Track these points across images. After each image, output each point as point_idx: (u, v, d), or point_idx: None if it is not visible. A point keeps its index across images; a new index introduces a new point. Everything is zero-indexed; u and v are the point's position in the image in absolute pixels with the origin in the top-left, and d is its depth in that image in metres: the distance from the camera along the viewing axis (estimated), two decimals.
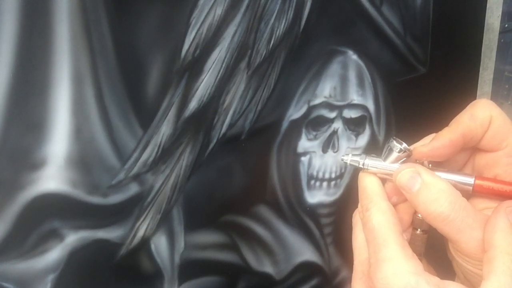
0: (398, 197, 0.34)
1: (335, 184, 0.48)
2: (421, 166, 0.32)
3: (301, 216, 0.48)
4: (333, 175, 0.48)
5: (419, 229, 0.33)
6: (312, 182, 0.47)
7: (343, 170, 0.48)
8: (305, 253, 0.49)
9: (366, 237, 0.32)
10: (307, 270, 0.50)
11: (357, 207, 0.35)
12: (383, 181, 0.34)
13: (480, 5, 0.51)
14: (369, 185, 0.33)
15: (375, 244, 0.30)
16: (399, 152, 0.32)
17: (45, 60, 0.34)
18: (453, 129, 0.32)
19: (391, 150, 0.33)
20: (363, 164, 0.34)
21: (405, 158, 0.33)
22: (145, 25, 0.36)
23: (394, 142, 0.32)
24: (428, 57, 0.49)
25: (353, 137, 0.47)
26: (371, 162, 0.34)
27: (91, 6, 0.34)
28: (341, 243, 0.51)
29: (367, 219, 0.31)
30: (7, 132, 0.34)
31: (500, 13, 0.53)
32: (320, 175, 0.47)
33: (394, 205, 0.33)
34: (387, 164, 0.33)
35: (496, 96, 0.58)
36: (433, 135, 0.33)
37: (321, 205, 0.48)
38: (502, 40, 0.56)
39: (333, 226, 0.50)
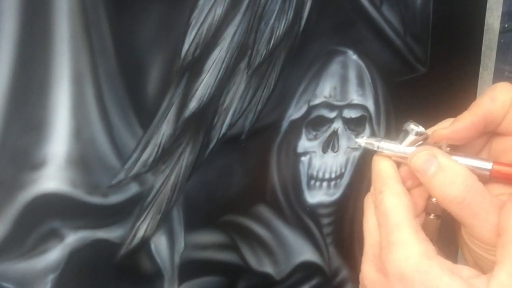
0: (412, 182, 0.33)
1: (335, 184, 0.48)
2: (437, 149, 0.31)
3: (301, 216, 0.48)
4: (333, 175, 0.48)
5: (432, 214, 0.32)
6: (312, 182, 0.47)
7: (343, 170, 0.48)
8: (305, 253, 0.49)
9: (378, 220, 0.31)
10: (307, 270, 0.50)
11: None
12: (398, 165, 0.33)
13: (480, 5, 0.51)
14: (383, 168, 0.33)
15: (387, 227, 0.30)
16: (415, 135, 0.32)
17: (45, 60, 0.34)
18: (474, 112, 0.31)
19: (407, 133, 0.32)
20: (377, 147, 0.33)
21: (421, 142, 0.32)
22: (145, 25, 0.36)
23: (411, 125, 0.32)
24: (428, 57, 0.49)
25: (353, 137, 0.47)
26: (386, 145, 0.33)
27: (91, 6, 0.34)
28: (341, 243, 0.51)
29: (379, 202, 0.31)
30: (7, 132, 0.34)
31: (500, 13, 0.53)
32: (320, 175, 0.47)
33: (408, 190, 0.32)
34: (403, 147, 0.32)
35: None
36: (450, 119, 0.33)
37: (321, 205, 0.48)
38: (502, 40, 0.56)
39: (333, 226, 0.49)
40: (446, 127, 0.32)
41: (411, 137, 0.32)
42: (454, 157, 0.31)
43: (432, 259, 0.27)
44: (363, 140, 0.34)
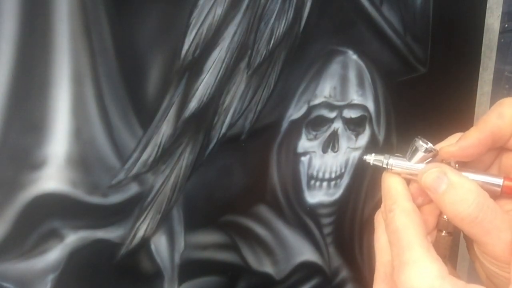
0: (423, 199, 0.33)
1: (335, 184, 0.48)
2: (448, 166, 0.31)
3: (301, 216, 0.48)
4: (333, 175, 0.48)
5: (444, 231, 0.32)
6: (312, 182, 0.47)
7: (343, 170, 0.48)
8: (305, 253, 0.49)
9: (389, 239, 0.31)
10: (307, 270, 0.50)
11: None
12: (408, 181, 0.33)
13: (480, 5, 0.51)
14: (393, 186, 0.32)
15: (398, 246, 0.29)
16: (424, 152, 0.31)
17: (45, 60, 0.34)
18: (481, 128, 0.31)
19: (416, 150, 0.32)
20: (387, 164, 0.33)
21: (430, 158, 0.32)
22: (145, 25, 0.36)
23: (420, 142, 0.31)
24: (428, 57, 0.49)
25: (353, 137, 0.47)
26: (395, 162, 0.33)
27: (91, 6, 0.34)
28: (341, 243, 0.51)
29: (390, 220, 0.31)
30: (7, 132, 0.34)
31: (500, 13, 0.53)
32: (320, 175, 0.47)
33: (419, 207, 0.32)
34: (412, 164, 0.32)
35: (496, 96, 0.58)
36: (458, 134, 0.33)
37: (321, 205, 0.48)
38: (502, 40, 0.56)
39: (333, 226, 0.49)
40: (453, 144, 0.31)
41: (420, 154, 0.32)
42: (464, 173, 0.30)
43: (445, 279, 0.27)
44: (372, 157, 0.33)
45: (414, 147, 0.32)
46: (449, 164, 0.32)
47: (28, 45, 0.33)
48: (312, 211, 0.48)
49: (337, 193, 0.48)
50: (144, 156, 0.39)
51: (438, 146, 0.32)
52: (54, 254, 0.38)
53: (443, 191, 0.29)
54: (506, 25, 0.56)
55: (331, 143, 0.47)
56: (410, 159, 0.32)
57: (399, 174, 0.33)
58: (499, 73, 0.57)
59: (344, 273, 0.52)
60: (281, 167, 0.45)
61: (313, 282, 0.50)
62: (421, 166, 0.32)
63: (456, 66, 0.51)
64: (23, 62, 0.33)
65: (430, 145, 0.32)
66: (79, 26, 0.34)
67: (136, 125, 0.38)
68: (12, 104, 0.34)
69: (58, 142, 0.36)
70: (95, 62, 0.35)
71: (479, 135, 0.31)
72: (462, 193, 0.29)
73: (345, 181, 0.48)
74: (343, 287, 0.52)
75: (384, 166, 0.33)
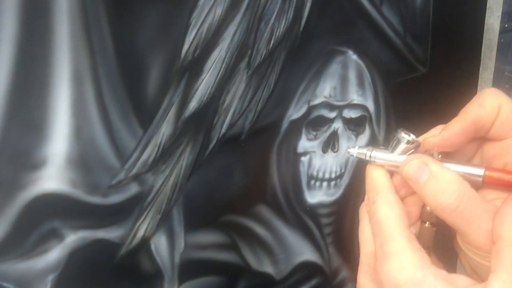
0: (406, 190, 0.33)
1: (335, 184, 0.48)
2: (429, 157, 0.31)
3: (301, 216, 0.48)
4: (333, 175, 0.48)
5: (427, 222, 0.32)
6: (312, 182, 0.47)
7: (343, 170, 0.48)
8: (305, 253, 0.49)
9: (373, 230, 0.31)
10: (307, 270, 0.50)
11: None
12: (391, 173, 0.33)
13: (480, 5, 0.51)
14: (376, 177, 0.33)
15: (381, 237, 0.30)
16: (407, 143, 0.32)
17: (45, 60, 0.34)
18: (463, 118, 0.31)
19: (398, 142, 0.32)
20: (370, 157, 0.33)
21: (413, 150, 0.32)
22: (145, 25, 0.36)
23: (402, 134, 0.32)
24: (428, 57, 0.49)
25: (353, 137, 0.47)
26: (378, 154, 0.33)
27: (91, 6, 0.34)
28: (341, 243, 0.51)
29: (373, 212, 0.31)
30: (7, 132, 0.34)
31: (500, 13, 0.53)
32: (320, 175, 0.47)
33: (402, 198, 0.32)
34: (395, 155, 0.32)
35: None
36: (440, 126, 0.33)
37: (321, 205, 0.48)
38: (502, 40, 0.56)
39: (333, 226, 0.50)
40: (436, 135, 0.32)
41: (402, 146, 0.32)
42: (446, 165, 0.31)
43: (427, 269, 0.27)
44: (355, 150, 0.34)
45: (397, 139, 0.32)
46: (432, 155, 0.32)
47: (28, 45, 0.33)
48: (312, 211, 0.48)
49: (337, 193, 0.48)
50: (144, 156, 0.39)
51: (421, 138, 0.33)
52: (54, 254, 0.38)
53: (424, 182, 0.30)
54: (506, 25, 0.56)
55: (331, 143, 0.47)
56: (392, 151, 0.33)
57: (382, 166, 0.33)
58: (499, 73, 0.57)
59: (344, 273, 0.52)
60: (281, 167, 0.45)
61: (313, 282, 0.50)
62: (404, 157, 0.32)
63: (456, 66, 0.51)
64: (23, 62, 0.33)
65: (412, 136, 0.32)
66: (79, 26, 0.34)
67: (136, 125, 0.38)
68: (12, 104, 0.34)
69: (58, 142, 0.36)
70: (95, 62, 0.35)
71: (461, 125, 0.31)
72: (443, 184, 0.29)
73: (345, 181, 0.48)
74: (343, 287, 0.52)
75: (367, 158, 0.33)
